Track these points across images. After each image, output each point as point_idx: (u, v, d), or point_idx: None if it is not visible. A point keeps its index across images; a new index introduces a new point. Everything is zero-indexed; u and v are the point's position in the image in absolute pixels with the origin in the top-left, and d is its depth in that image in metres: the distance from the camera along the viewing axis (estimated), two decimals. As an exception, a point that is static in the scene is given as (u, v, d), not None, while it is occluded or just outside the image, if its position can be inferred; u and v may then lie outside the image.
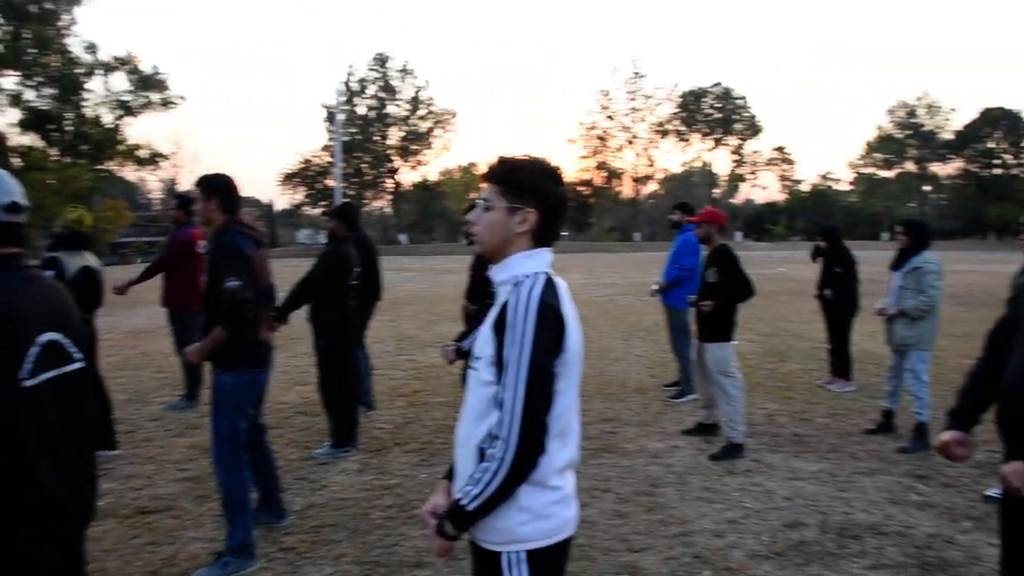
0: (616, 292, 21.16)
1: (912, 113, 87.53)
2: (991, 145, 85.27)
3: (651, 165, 79.68)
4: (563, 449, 2.06)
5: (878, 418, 6.97)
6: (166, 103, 47.83)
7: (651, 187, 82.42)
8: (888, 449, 6.38)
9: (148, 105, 47.29)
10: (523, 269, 2.08)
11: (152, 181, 65.00)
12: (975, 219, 78.25)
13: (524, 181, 2.10)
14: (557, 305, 2.01)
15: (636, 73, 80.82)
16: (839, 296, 8.67)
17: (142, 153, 47.49)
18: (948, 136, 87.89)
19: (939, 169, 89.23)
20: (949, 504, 5.15)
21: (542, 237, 2.13)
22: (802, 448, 6.43)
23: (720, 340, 6.33)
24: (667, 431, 6.95)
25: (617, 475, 5.75)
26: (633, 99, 77.46)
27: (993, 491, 5.15)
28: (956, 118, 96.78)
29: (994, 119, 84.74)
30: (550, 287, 2.04)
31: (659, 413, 7.61)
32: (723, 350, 6.31)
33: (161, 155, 49.03)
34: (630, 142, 78.11)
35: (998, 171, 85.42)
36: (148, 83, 47.04)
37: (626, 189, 79.90)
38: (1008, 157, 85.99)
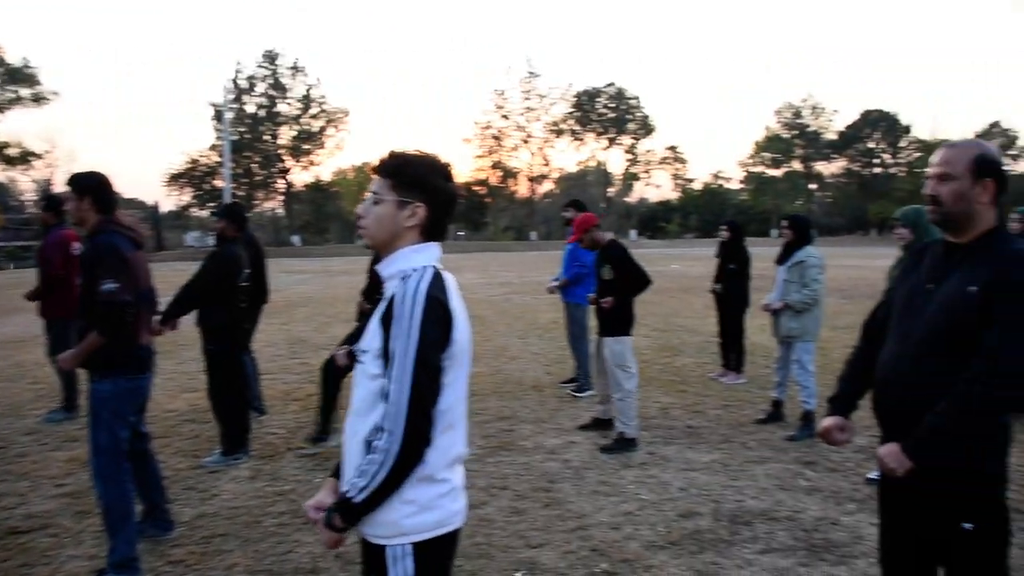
0: (512, 291, 21.29)
1: (798, 114, 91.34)
2: (871, 145, 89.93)
3: (546, 164, 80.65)
4: (451, 443, 2.09)
5: (768, 408, 7.26)
6: (38, 99, 45.52)
7: (547, 186, 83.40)
8: (777, 438, 6.64)
9: (17, 100, 44.88)
10: (411, 263, 2.10)
11: (24, 182, 61.70)
12: (858, 216, 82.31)
13: (414, 175, 2.12)
14: (445, 299, 2.04)
15: (531, 73, 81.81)
16: (730, 291, 8.99)
17: (12, 151, 45.02)
18: (832, 136, 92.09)
19: (824, 168, 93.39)
20: (835, 488, 5.40)
21: (431, 232, 2.15)
22: (696, 440, 6.63)
23: (619, 334, 6.47)
24: (564, 427, 7.05)
25: (514, 472, 5.80)
26: (528, 99, 78.22)
27: (874, 474, 5.43)
28: (838, 119, 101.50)
29: (874, 120, 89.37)
30: (438, 281, 2.06)
31: (556, 410, 7.71)
32: (621, 344, 6.45)
33: (33, 154, 46.62)
34: (525, 141, 78.84)
35: (878, 170, 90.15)
36: (16, 77, 44.65)
37: (522, 188, 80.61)
38: (887, 157, 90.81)
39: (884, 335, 2.78)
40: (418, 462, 1.98)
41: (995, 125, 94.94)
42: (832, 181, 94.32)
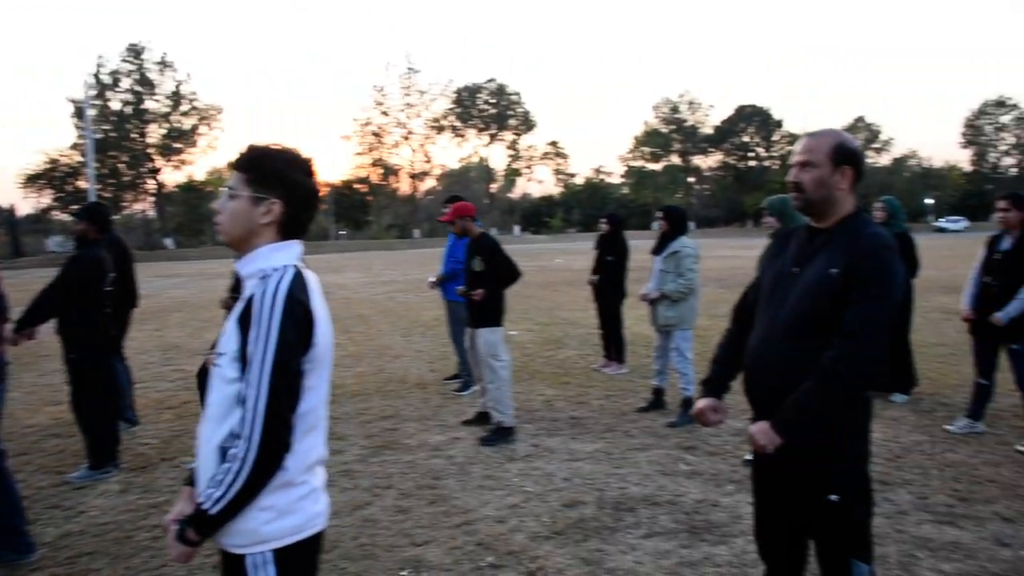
0: (395, 289, 21.14)
1: (675, 109, 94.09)
2: (746, 139, 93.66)
3: (428, 161, 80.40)
4: (311, 446, 2.04)
5: (649, 396, 7.45)
6: None
7: (429, 183, 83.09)
8: (659, 425, 6.83)
9: None
10: (271, 262, 2.02)
11: None
12: (735, 208, 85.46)
13: (271, 170, 2.05)
14: (306, 300, 1.98)
15: (410, 68, 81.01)
16: (608, 283, 9.19)
17: None
18: (708, 131, 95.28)
19: (701, 162, 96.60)
20: (714, 471, 5.59)
21: (289, 229, 2.08)
22: (579, 430, 6.75)
23: (490, 325, 6.53)
24: (448, 424, 7.06)
25: (399, 471, 5.77)
26: (408, 95, 77.71)
27: (750, 456, 5.65)
28: (714, 114, 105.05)
29: (748, 115, 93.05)
30: (299, 281, 2.00)
31: (440, 407, 7.71)
32: (494, 334, 6.53)
33: None
34: (406, 138, 78.34)
35: (752, 163, 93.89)
36: None
37: (403, 186, 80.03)
38: (761, 150, 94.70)
39: (754, 318, 2.90)
40: (276, 470, 1.92)
41: (860, 120, 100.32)
42: (709, 174, 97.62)
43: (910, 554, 4.16)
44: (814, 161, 2.71)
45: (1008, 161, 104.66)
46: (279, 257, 2.04)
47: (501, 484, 5.44)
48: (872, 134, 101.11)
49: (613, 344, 9.34)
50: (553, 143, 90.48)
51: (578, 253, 37.83)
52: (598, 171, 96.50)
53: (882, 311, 2.56)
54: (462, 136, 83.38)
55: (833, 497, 2.66)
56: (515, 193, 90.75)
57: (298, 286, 1.98)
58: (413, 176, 79.46)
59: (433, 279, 8.56)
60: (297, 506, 2.00)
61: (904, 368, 7.58)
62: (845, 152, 2.73)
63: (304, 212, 2.09)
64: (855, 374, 2.57)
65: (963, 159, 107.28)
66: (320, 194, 2.18)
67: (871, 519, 2.81)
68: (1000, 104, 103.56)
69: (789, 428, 2.63)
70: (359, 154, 77.47)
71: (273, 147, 2.10)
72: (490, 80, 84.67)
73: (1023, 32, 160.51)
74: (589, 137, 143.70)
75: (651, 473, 5.60)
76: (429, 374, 9.34)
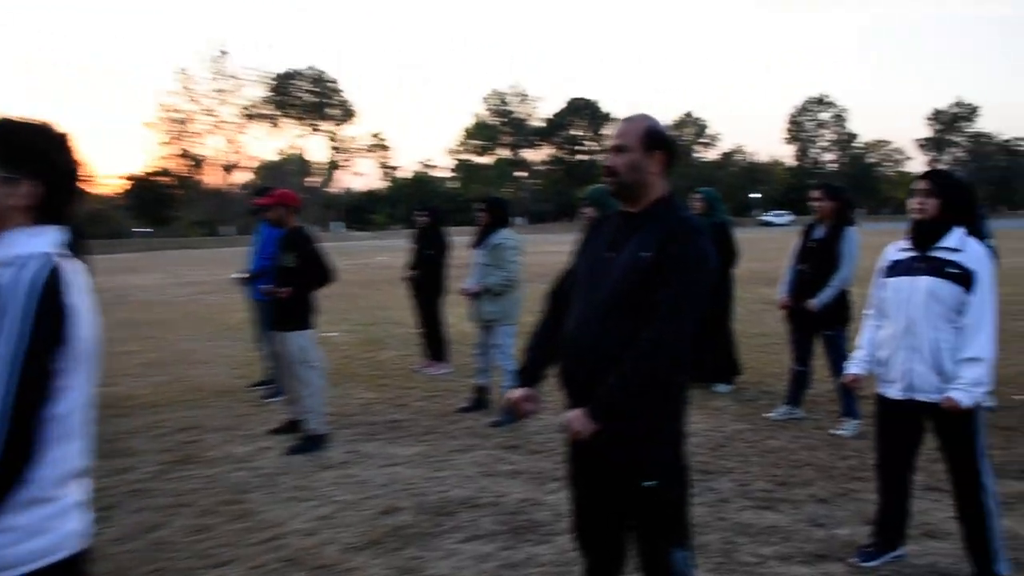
0: (202, 291, 20.35)
1: (504, 101, 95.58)
2: (576, 132, 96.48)
3: (240, 152, 77.75)
4: (65, 455, 1.88)
5: (472, 396, 7.50)
6: None
7: (242, 176, 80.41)
8: (482, 425, 6.88)
9: None
10: (25, 249, 1.86)
11: None
12: (565, 202, 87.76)
13: (22, 147, 1.89)
14: (61, 291, 1.83)
15: (221, 51, 77.90)
16: (426, 278, 9.19)
17: None
18: (538, 124, 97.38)
19: (531, 155, 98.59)
20: (537, 469, 5.69)
21: (46, 213, 1.93)
22: (399, 433, 6.70)
23: (299, 328, 6.34)
24: (255, 433, 6.82)
25: (198, 487, 5.51)
26: (217, 80, 74.82)
27: None
28: (544, 107, 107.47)
29: (578, 108, 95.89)
30: (54, 271, 1.84)
31: (246, 415, 7.45)
32: (303, 338, 6.34)
33: None
34: (216, 127, 75.42)
35: (583, 157, 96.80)
36: None
37: (212, 178, 77.03)
38: (590, 143, 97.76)
39: (568, 305, 2.96)
40: (17, 481, 1.76)
41: (688, 115, 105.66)
42: (540, 168, 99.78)
43: (730, 541, 4.38)
44: (627, 145, 2.81)
45: (828, 157, 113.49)
46: (34, 244, 1.88)
47: (312, 495, 5.31)
48: (700, 129, 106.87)
49: (434, 343, 9.35)
50: (376, 135, 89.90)
51: (402, 250, 37.69)
52: (425, 164, 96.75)
53: (692, 292, 2.68)
54: (277, 126, 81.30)
55: (649, 483, 2.75)
56: (335, 187, 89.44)
57: (53, 276, 1.83)
58: (224, 168, 76.65)
59: (239, 275, 8.25)
60: (48, 525, 1.83)
61: (727, 358, 8.00)
62: (656, 137, 2.84)
63: (63, 194, 1.94)
64: (666, 355, 2.67)
65: (787, 155, 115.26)
66: (82, 175, 2.02)
67: (688, 505, 2.93)
68: (820, 102, 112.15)
69: (603, 413, 2.70)
70: (164, 143, 73.91)
71: (25, 121, 1.94)
72: (308, 67, 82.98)
73: (842, 31, 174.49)
74: (415, 129, 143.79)
75: (473, 475, 5.63)
76: (236, 380, 9.02)
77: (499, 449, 6.20)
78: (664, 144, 2.86)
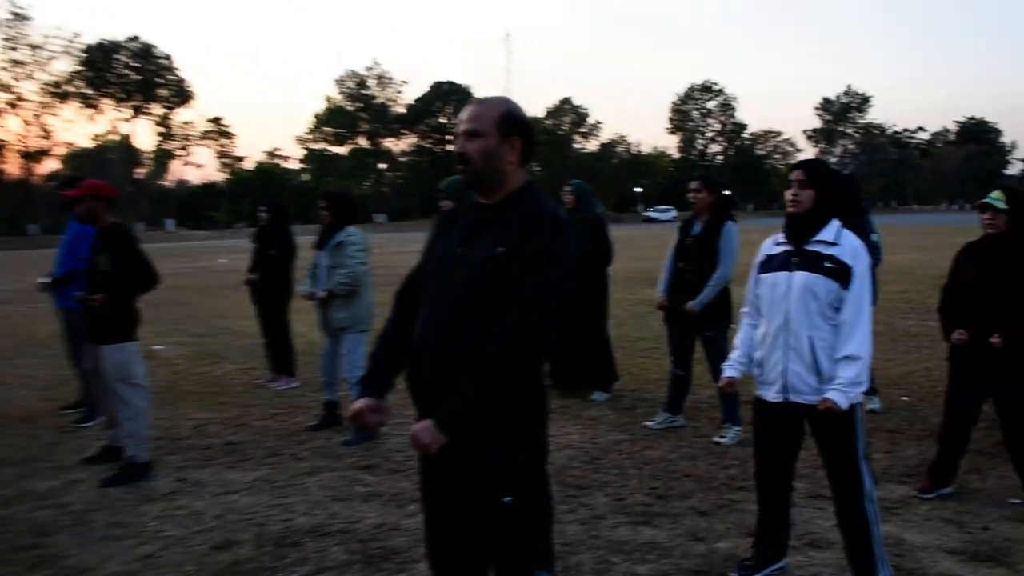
0: (1, 299, 19.42)
1: (363, 84, 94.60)
2: (443, 120, 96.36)
3: (48, 137, 74.05)
4: None
5: (322, 412, 7.41)
6: None
7: (51, 166, 76.69)
8: (334, 444, 6.81)
9: None
10: None
11: None
12: (431, 197, 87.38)
13: None
14: None
15: (16, 14, 72.77)
16: (269, 282, 9.03)
17: None
18: (401, 110, 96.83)
19: (393, 145, 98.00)
20: (396, 490, 5.67)
21: None
22: (237, 457, 6.56)
23: (118, 340, 6.10)
24: (64, 464, 6.52)
25: (-11, 531, 5.24)
26: (15, 48, 70.90)
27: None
28: (408, 91, 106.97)
29: (445, 93, 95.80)
30: None
31: (53, 444, 7.13)
32: (123, 352, 6.10)
33: None
34: (13, 106, 71.55)
35: (451, 147, 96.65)
36: None
37: (13, 168, 73.18)
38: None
39: (417, 306, 2.96)
40: None
41: (567, 101, 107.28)
42: (403, 159, 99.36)
43: (605, 560, 4.49)
44: (481, 130, 2.82)
45: (715, 148, 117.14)
46: None
47: (132, 532, 5.14)
48: (579, 117, 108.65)
49: (279, 355, 9.20)
50: (216, 120, 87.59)
51: (246, 251, 36.91)
52: (272, 154, 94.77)
53: (550, 291, 2.71)
54: (95, 107, 78.06)
55: (508, 499, 2.78)
56: (168, 179, 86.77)
57: None
58: (26, 155, 72.96)
59: (44, 280, 7.90)
60: None
61: (603, 364, 8.18)
62: (514, 121, 2.87)
63: None
64: (521, 358, 2.70)
65: (672, 145, 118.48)
66: None
67: (552, 523, 2.97)
68: (706, 89, 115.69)
69: (454, 424, 2.71)
70: (-51, 125, 69.84)
71: None
72: (132, 38, 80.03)
73: (729, 14, 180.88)
74: (261, 114, 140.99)
75: (322, 500, 5.57)
76: (41, 404, 8.63)
77: (353, 470, 6.15)
78: (522, 130, 2.88)
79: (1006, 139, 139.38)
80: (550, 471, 3.07)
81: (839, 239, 3.95)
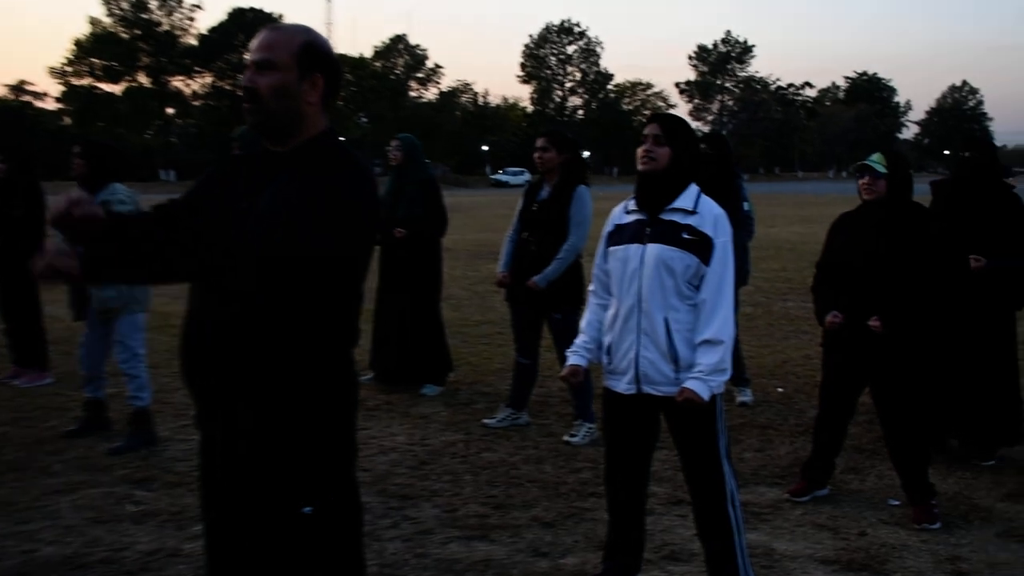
0: None
1: (141, 5, 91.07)
2: (246, 56, 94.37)
3: None
4: None
5: (84, 414, 7.17)
6: None
7: None
8: (98, 453, 6.62)
9: None
10: None
11: None
12: (231, 149, 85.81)
13: None
14: None
15: None
16: (11, 251, 8.64)
17: None
18: (192, 41, 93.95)
19: (183, 85, 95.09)
20: (176, 508, 5.55)
21: None
22: (-41, 477, 6.29)
23: None
24: None
25: None
26: None
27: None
28: (202, 18, 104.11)
29: (248, 23, 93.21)
30: None
31: None
32: None
33: None
34: None
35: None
36: None
37: None
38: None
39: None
40: None
41: (399, 40, 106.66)
42: (196, 104, 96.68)
43: (415, 582, 4.53)
44: (276, 62, 2.75)
45: (575, 101, 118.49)
46: None
47: None
48: (415, 60, 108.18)
49: (25, 344, 8.90)
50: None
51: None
52: (18, 88, 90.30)
53: (343, 255, 2.70)
54: None
55: (307, 509, 2.75)
56: None
57: None
58: None
59: None
60: None
61: (435, 353, 8.20)
62: (317, 54, 2.81)
63: None
64: (311, 339, 2.68)
65: (526, 96, 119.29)
66: None
67: (360, 534, 2.96)
68: (566, 31, 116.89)
69: (242, 416, 2.67)
70: None
71: None
72: None
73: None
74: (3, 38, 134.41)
75: (79, 523, 5.41)
76: None
77: (123, 484, 6.01)
78: (326, 65, 2.83)
79: (900, 99, 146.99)
80: (366, 477, 3.06)
81: (698, 207, 4.05)
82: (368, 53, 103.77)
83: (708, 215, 4.03)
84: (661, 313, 3.99)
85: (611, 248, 4.21)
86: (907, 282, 5.21)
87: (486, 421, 7.20)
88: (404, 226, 7.87)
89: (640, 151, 4.12)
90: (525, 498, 5.64)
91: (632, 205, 4.19)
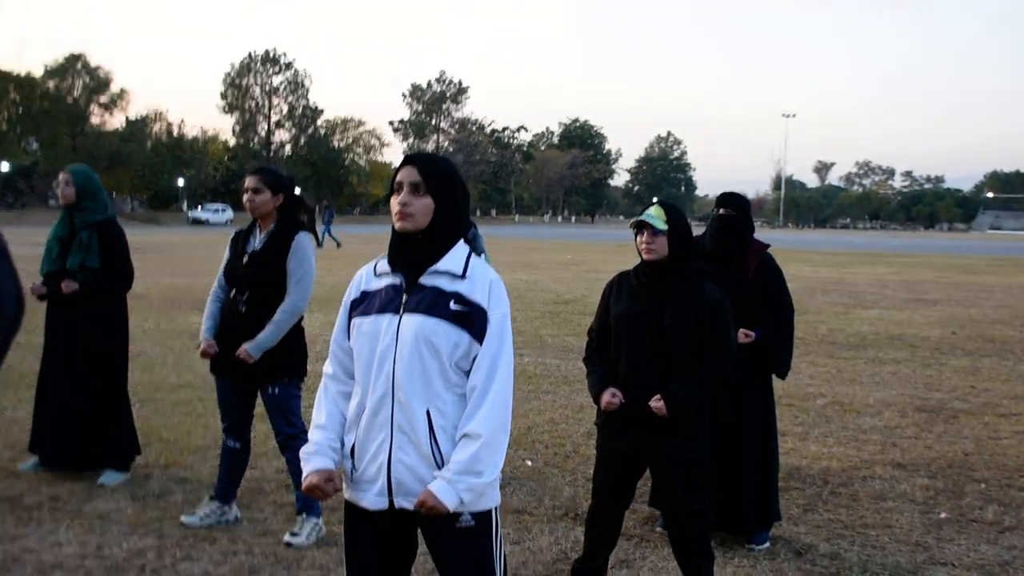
0: None
1: None
2: None
3: None
4: None
5: None
6: None
7: None
8: None
9: None
10: None
11: None
12: None
13: None
14: None
15: None
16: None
17: None
18: None
19: None
20: None
21: None
22: None
23: None
24: None
25: None
26: None
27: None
28: None
29: None
30: None
31: None
32: None
33: None
34: None
35: None
36: None
37: None
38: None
39: None
40: None
41: (77, 59, 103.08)
42: None
43: None
44: None
45: (283, 136, 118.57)
46: None
47: None
48: (98, 82, 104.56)
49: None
50: None
51: None
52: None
53: None
54: None
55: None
56: None
57: None
58: None
59: None
60: None
61: (118, 430, 7.34)
62: None
63: None
64: None
65: (227, 128, 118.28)
66: None
67: None
68: (272, 60, 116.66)
69: None
70: None
71: None
72: None
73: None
74: None
75: None
76: None
77: None
78: None
79: (611, 146, 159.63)
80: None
81: (469, 271, 3.40)
82: (38, 71, 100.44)
83: (481, 281, 3.37)
84: (422, 405, 3.26)
85: (356, 320, 3.43)
86: (695, 354, 4.89)
87: (185, 519, 6.31)
88: (76, 279, 6.96)
89: (394, 203, 3.36)
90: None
91: (384, 266, 3.44)
